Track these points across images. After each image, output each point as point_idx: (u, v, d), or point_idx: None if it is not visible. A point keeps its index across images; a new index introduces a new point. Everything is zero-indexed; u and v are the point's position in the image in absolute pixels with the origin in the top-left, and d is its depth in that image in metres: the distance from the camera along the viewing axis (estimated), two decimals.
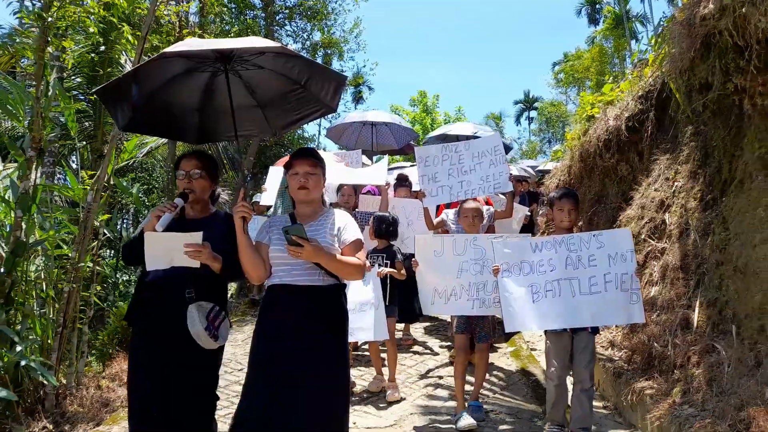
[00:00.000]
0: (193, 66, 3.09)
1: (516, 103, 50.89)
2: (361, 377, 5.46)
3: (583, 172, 7.67)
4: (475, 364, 4.55)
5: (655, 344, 4.11)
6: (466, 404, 4.34)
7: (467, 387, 4.54)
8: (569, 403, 3.80)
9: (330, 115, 10.12)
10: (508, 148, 10.28)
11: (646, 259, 5.18)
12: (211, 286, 2.88)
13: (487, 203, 5.92)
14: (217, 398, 3.04)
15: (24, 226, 4.42)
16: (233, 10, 12.80)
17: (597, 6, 36.67)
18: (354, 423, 4.26)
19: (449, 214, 5.22)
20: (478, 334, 4.37)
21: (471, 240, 4.27)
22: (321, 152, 5.94)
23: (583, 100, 7.33)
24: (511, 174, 5.19)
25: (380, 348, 5.17)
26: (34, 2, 4.63)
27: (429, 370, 5.75)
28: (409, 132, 10.80)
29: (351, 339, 4.53)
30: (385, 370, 5.08)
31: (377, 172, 6.43)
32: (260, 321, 2.78)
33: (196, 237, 2.69)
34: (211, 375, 2.95)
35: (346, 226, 2.81)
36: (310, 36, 14.16)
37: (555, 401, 3.80)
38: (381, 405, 4.77)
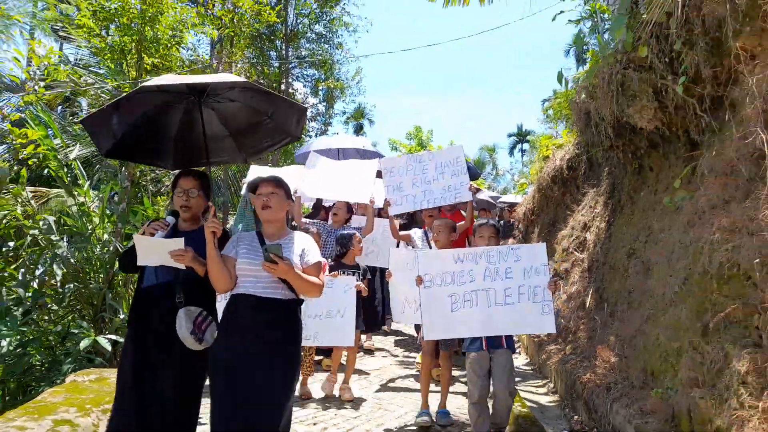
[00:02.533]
0: (171, 99, 3.32)
1: (510, 135, 52.46)
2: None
3: (542, 202, 9.56)
4: (441, 374, 4.67)
5: (562, 320, 5.84)
6: (433, 411, 4.47)
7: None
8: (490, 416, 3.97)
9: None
10: (475, 174, 10.81)
11: (572, 266, 6.96)
12: (199, 292, 3.06)
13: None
14: (199, 399, 3.16)
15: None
16: (252, 60, 14.74)
17: (584, 47, 38.83)
18: (314, 423, 4.43)
19: (417, 232, 5.42)
20: (443, 343, 4.47)
21: (417, 256, 4.30)
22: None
23: (541, 142, 9.18)
24: (471, 184, 5.41)
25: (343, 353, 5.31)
26: None
27: (398, 378, 5.99)
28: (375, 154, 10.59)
29: (316, 344, 4.92)
30: (341, 376, 5.20)
31: (361, 191, 6.24)
32: (224, 326, 2.95)
33: (179, 243, 2.91)
34: (196, 374, 3.10)
35: (309, 249, 3.04)
36: (319, 80, 16.19)
37: (475, 421, 3.90)
38: (345, 406, 4.89)
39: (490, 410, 3.93)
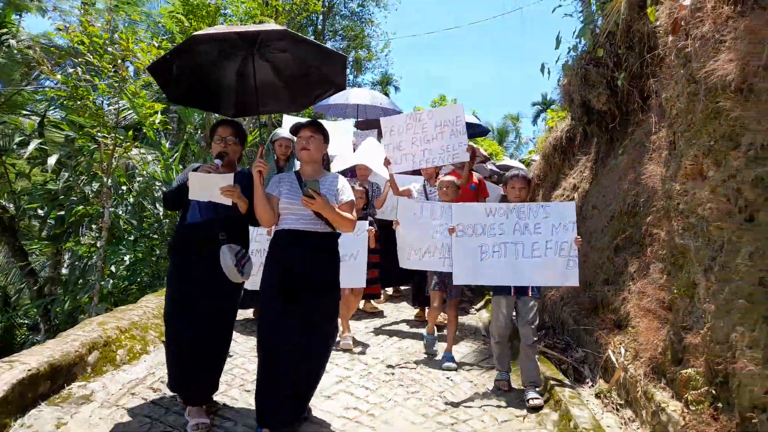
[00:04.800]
0: (227, 50, 3.48)
1: (534, 104, 52.51)
2: None
3: (545, 168, 11.00)
4: (447, 320, 4.95)
5: None
6: (439, 353, 4.80)
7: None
8: (517, 358, 4.19)
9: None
10: (484, 131, 11.30)
11: None
12: (237, 231, 3.32)
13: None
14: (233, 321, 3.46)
15: None
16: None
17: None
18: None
19: (416, 186, 5.58)
20: (449, 293, 4.74)
21: (445, 208, 4.56)
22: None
23: (549, 113, 10.53)
24: (470, 145, 5.31)
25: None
26: None
27: (397, 325, 6.08)
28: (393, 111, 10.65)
29: None
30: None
31: (376, 158, 6.43)
32: (270, 258, 3.18)
33: (228, 178, 3.09)
34: (232, 300, 3.37)
35: (343, 188, 3.24)
36: (349, 53, 17.50)
37: (498, 355, 4.16)
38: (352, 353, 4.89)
39: (518, 361, 4.13)
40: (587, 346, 4.66)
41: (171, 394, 3.49)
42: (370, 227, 5.13)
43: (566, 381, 4.13)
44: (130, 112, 6.84)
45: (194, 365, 3.18)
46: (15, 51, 9.76)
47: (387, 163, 5.26)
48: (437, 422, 3.52)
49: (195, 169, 3.23)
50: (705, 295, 3.22)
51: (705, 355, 3.10)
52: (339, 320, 5.00)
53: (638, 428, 3.59)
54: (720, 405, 2.95)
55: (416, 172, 5.75)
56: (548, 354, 4.72)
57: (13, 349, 8.53)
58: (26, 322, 11.47)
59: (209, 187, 3.08)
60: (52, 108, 8.39)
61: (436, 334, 5.01)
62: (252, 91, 3.51)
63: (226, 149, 3.36)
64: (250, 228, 4.27)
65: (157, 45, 6.39)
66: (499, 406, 3.85)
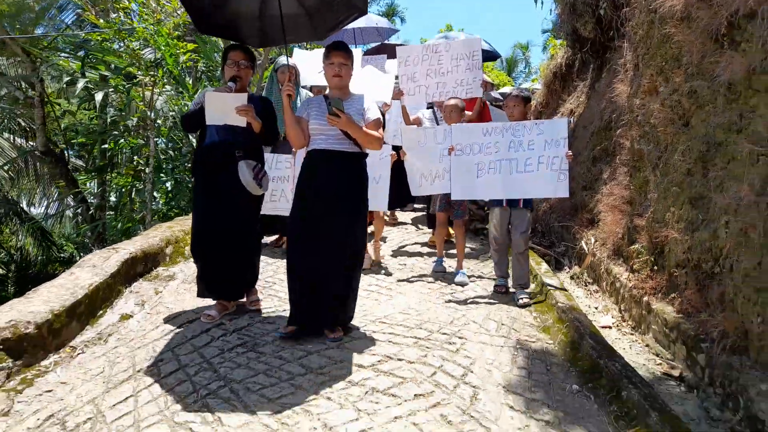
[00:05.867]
0: None
1: (544, 32, 50.91)
2: None
3: (547, 95, 11.58)
4: (454, 239, 5.10)
5: None
6: (447, 264, 4.99)
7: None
8: (510, 263, 4.43)
9: None
10: (494, 56, 11.12)
11: None
12: (252, 150, 3.46)
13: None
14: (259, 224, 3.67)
15: None
16: None
17: None
18: None
19: (425, 113, 5.44)
20: (455, 212, 4.87)
21: (449, 130, 4.57)
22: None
23: (551, 42, 11.00)
24: (484, 80, 5.38)
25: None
26: None
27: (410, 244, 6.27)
28: (392, 30, 10.81)
29: None
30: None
31: (384, 90, 6.28)
32: (303, 176, 3.24)
33: (242, 98, 3.23)
34: (252, 210, 3.56)
35: (370, 107, 3.29)
36: None
37: (497, 261, 4.42)
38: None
39: (509, 264, 4.40)
40: (567, 241, 5.56)
41: None
42: (393, 152, 5.00)
43: (548, 267, 5.04)
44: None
45: (223, 271, 3.44)
46: None
47: (400, 94, 5.23)
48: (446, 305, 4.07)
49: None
50: (652, 188, 4.05)
51: (648, 233, 3.97)
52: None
53: (600, 296, 4.53)
54: (656, 267, 3.85)
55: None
56: (535, 249, 5.63)
57: None
58: (62, 256, 12.69)
59: (224, 107, 3.21)
60: (83, 50, 9.07)
61: (444, 256, 5.10)
62: (276, 21, 3.52)
63: (239, 73, 3.44)
64: (270, 156, 4.65)
65: None
66: (492, 302, 4.18)
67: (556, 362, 3.17)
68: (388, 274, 4.95)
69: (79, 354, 3.04)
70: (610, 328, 3.90)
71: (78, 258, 12.15)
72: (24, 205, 12.51)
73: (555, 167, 4.08)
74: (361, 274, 3.51)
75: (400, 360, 3.06)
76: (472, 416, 2.55)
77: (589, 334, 3.23)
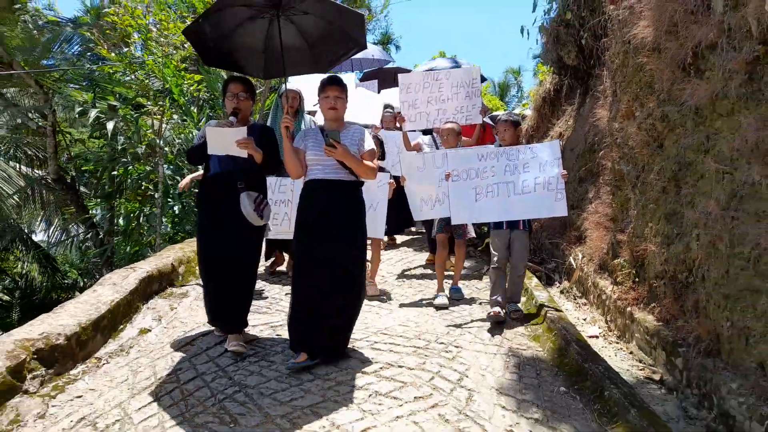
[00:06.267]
0: (254, 14, 3.55)
1: (535, 57, 51.72)
2: None
3: (537, 119, 11.98)
4: (454, 259, 5.12)
5: None
6: (446, 288, 4.90)
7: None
8: (506, 285, 4.40)
9: None
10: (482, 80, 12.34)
11: None
12: (254, 181, 3.49)
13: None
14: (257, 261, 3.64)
15: None
16: None
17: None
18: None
19: (424, 139, 5.50)
20: (456, 233, 4.93)
21: (446, 155, 4.69)
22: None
23: (540, 69, 11.44)
24: (483, 107, 5.51)
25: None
26: None
27: (411, 268, 6.19)
28: (386, 61, 11.06)
29: None
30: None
31: (374, 112, 6.73)
32: (301, 206, 3.32)
33: (242, 131, 3.27)
34: (253, 241, 3.55)
35: (365, 138, 3.39)
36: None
37: (495, 281, 4.30)
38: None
39: (507, 283, 4.37)
40: (557, 257, 5.83)
41: None
42: (391, 180, 5.04)
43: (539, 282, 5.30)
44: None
45: (224, 300, 3.44)
46: (30, 26, 10.75)
47: (401, 120, 5.38)
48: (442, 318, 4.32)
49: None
50: (632, 205, 4.34)
51: (629, 247, 4.25)
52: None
53: (588, 308, 4.78)
54: (637, 279, 4.12)
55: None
56: (528, 265, 5.88)
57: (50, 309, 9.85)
58: (66, 282, 12.86)
59: (225, 140, 3.25)
60: (87, 81, 9.44)
61: (444, 290, 4.83)
62: (278, 54, 3.59)
63: (239, 105, 3.49)
64: (272, 180, 4.69)
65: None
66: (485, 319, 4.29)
67: (545, 367, 3.41)
68: (389, 298, 4.91)
69: (104, 364, 3.27)
70: (597, 337, 4.14)
71: (82, 284, 12.37)
72: (33, 231, 12.75)
73: (552, 187, 4.16)
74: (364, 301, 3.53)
75: (400, 367, 3.29)
76: (467, 415, 2.78)
77: (575, 341, 3.47)
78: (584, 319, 4.56)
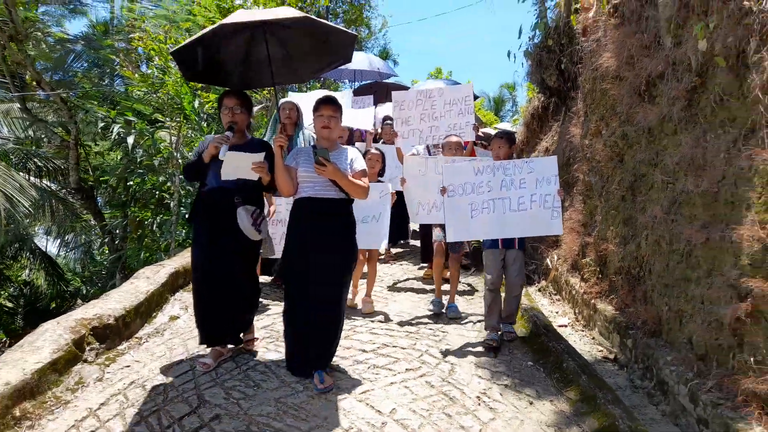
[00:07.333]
0: (239, 29, 3.59)
1: (524, 77, 52.06)
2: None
3: (527, 135, 12.62)
4: (449, 274, 4.99)
5: None
6: (445, 305, 4.84)
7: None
8: (502, 306, 4.27)
9: None
10: (474, 97, 12.50)
11: None
12: (251, 195, 3.45)
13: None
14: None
15: None
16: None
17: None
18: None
19: (419, 150, 5.63)
20: (452, 246, 4.81)
21: (442, 167, 4.52)
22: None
23: (530, 87, 12.15)
24: (475, 124, 5.50)
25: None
26: None
27: (407, 279, 6.17)
28: (389, 75, 11.44)
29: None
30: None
31: (366, 117, 6.80)
32: (294, 219, 3.35)
33: (260, 156, 3.29)
34: (249, 255, 3.53)
35: (356, 158, 3.40)
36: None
37: (490, 303, 4.15)
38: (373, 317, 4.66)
39: (502, 302, 4.25)
40: (536, 260, 6.42)
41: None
42: (393, 191, 5.00)
43: None
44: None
45: (216, 314, 3.41)
46: (43, 44, 11.34)
47: (395, 136, 5.43)
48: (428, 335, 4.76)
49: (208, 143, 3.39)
50: (598, 212, 4.95)
51: (594, 248, 4.85)
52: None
53: (561, 303, 5.37)
54: (600, 276, 4.71)
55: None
56: None
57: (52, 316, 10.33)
58: (69, 290, 13.35)
59: (241, 164, 3.25)
60: (103, 96, 10.07)
61: (442, 296, 4.96)
62: (261, 66, 3.60)
63: (234, 119, 3.43)
64: (277, 200, 4.77)
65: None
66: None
67: (517, 346, 3.99)
68: (387, 319, 4.66)
69: (144, 342, 3.83)
70: (566, 326, 4.72)
71: (84, 291, 12.87)
72: (43, 237, 13.30)
73: (548, 205, 4.06)
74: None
75: (395, 346, 3.87)
76: (449, 382, 3.35)
77: (543, 326, 4.06)
78: (557, 312, 5.14)
